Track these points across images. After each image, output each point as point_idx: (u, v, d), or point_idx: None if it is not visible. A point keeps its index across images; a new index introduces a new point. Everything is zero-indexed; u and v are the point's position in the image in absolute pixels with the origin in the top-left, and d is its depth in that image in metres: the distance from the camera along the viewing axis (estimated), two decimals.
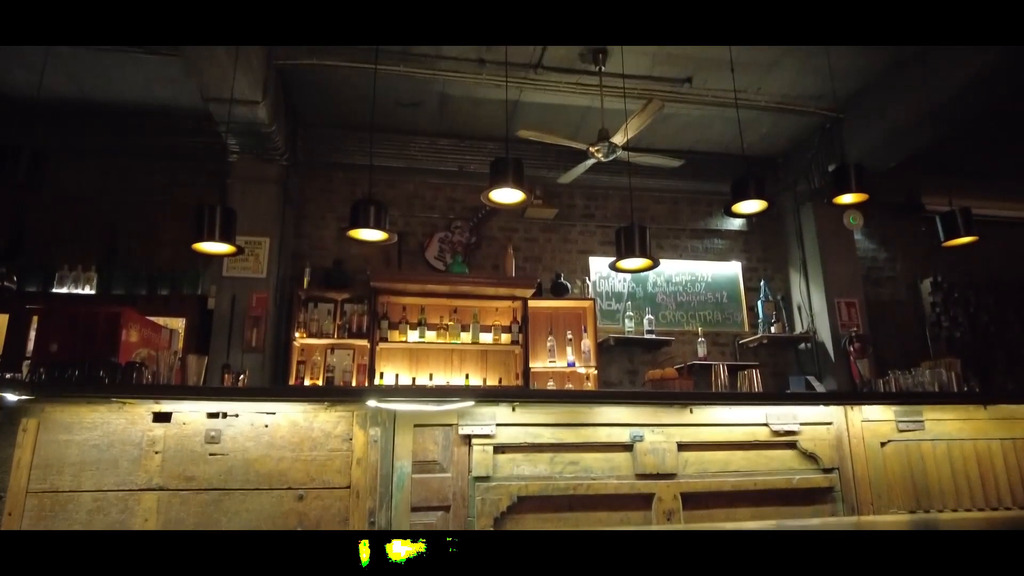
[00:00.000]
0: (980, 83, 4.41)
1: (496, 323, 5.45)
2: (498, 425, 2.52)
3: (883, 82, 5.04)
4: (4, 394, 2.27)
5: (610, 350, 5.77)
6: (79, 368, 2.54)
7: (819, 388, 5.47)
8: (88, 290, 4.90)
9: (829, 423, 2.86)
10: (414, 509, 2.39)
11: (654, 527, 2.48)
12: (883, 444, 2.87)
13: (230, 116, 4.32)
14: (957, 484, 2.89)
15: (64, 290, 4.86)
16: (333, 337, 5.22)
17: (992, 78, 4.34)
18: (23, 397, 2.31)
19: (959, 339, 6.17)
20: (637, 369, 5.83)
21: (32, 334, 4.20)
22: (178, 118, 5.27)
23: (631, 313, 5.90)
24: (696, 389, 3.80)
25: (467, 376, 5.41)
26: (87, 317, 3.05)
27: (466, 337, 5.37)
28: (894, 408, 2.95)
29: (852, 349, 5.47)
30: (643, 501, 2.58)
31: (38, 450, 2.30)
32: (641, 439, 2.65)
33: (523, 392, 4.48)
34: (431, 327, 5.33)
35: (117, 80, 4.86)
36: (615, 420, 2.67)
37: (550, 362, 5.48)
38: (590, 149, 4.71)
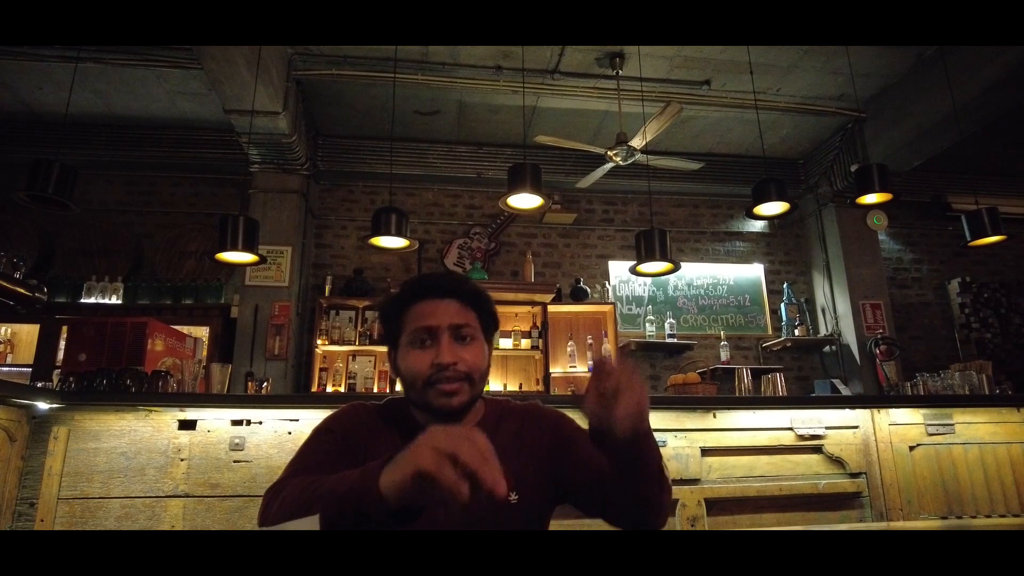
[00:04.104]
0: (1005, 80, 4.32)
1: (516, 328, 5.45)
2: None
3: (905, 81, 4.97)
4: (36, 403, 2.32)
5: (631, 355, 5.73)
6: (107, 377, 2.59)
7: (845, 392, 5.37)
8: (115, 300, 4.99)
9: (855, 427, 2.81)
10: None
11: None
12: (912, 448, 2.81)
13: (251, 127, 4.39)
14: (991, 489, 2.81)
15: (92, 300, 4.96)
16: (355, 344, 5.25)
17: (1017, 75, 4.26)
18: (54, 406, 2.36)
19: (989, 341, 6.02)
20: (659, 374, 5.78)
21: (62, 344, 4.30)
22: (201, 131, 5.37)
23: (652, 317, 5.86)
24: (719, 394, 3.75)
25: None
26: (114, 327, 3.12)
27: None
28: (923, 411, 2.89)
29: (878, 352, 5.36)
30: None
31: (68, 458, 2.34)
32: (664, 444, 2.63)
33: (544, 398, 4.47)
34: None
35: (142, 95, 4.97)
36: None
37: (570, 367, 5.46)
38: (608, 153, 4.70)
